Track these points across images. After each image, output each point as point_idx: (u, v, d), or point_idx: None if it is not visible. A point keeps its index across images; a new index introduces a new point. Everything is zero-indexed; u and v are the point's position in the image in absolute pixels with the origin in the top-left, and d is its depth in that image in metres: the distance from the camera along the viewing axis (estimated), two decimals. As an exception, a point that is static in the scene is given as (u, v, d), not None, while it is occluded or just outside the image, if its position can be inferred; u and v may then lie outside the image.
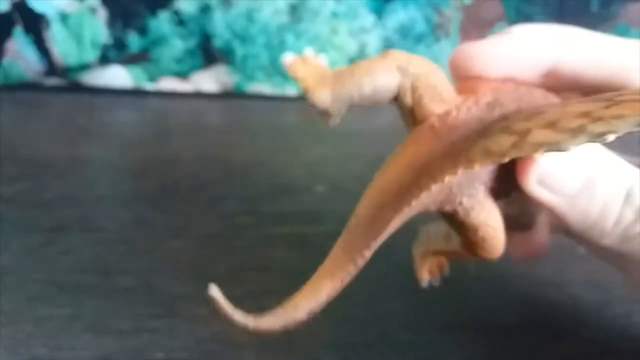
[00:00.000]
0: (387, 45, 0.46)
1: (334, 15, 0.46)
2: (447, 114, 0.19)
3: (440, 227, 0.23)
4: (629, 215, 0.19)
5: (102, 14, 0.46)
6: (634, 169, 0.20)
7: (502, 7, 0.46)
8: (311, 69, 0.20)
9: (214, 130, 0.44)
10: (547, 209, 0.20)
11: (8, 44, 0.47)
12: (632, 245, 0.19)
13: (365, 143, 0.41)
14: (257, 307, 0.27)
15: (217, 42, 0.47)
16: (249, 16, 0.46)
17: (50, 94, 0.47)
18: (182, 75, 0.47)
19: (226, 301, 0.19)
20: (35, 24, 0.46)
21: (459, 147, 0.18)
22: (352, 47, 0.47)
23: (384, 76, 0.18)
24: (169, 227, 0.32)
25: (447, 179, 0.17)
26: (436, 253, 0.23)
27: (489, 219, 0.19)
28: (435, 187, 0.18)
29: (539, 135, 0.16)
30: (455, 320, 0.27)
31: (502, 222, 0.20)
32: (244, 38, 0.46)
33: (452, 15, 0.46)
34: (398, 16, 0.46)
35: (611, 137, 0.15)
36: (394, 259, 0.24)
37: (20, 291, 0.28)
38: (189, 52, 0.47)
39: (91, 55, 0.47)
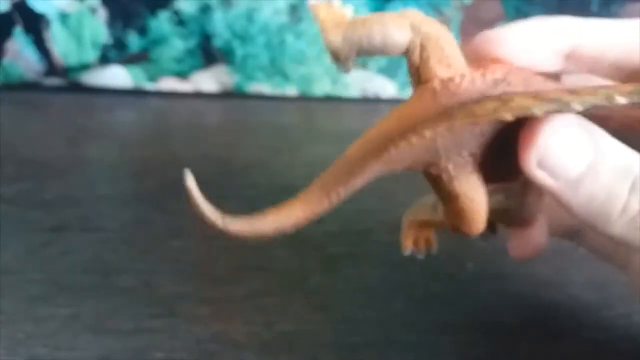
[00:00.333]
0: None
1: (334, 15, 0.46)
2: (450, 79, 0.19)
3: (430, 198, 0.23)
4: (636, 205, 0.19)
5: (102, 14, 0.46)
6: (638, 156, 0.19)
7: (501, 7, 0.46)
8: (332, 14, 0.20)
9: (214, 130, 0.44)
10: (549, 194, 0.19)
11: (8, 44, 0.47)
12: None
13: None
14: (257, 307, 0.28)
15: (217, 42, 0.47)
16: (249, 16, 0.46)
17: (50, 94, 0.47)
18: (182, 75, 0.47)
19: (199, 194, 0.20)
20: (35, 24, 0.46)
21: (451, 111, 0.18)
22: (352, 47, 0.47)
23: (395, 30, 0.19)
24: (169, 227, 0.32)
25: (428, 133, 0.18)
26: (423, 224, 0.23)
27: (470, 192, 0.20)
28: (415, 140, 0.18)
29: (520, 101, 0.17)
30: (456, 320, 0.27)
31: (485, 201, 0.20)
32: (244, 38, 0.46)
33: (452, 15, 0.46)
34: (398, 16, 0.46)
35: (578, 107, 0.17)
36: (394, 259, 0.24)
37: (20, 291, 0.28)
38: (189, 52, 0.47)
39: (91, 55, 0.47)
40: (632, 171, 0.19)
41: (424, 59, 0.19)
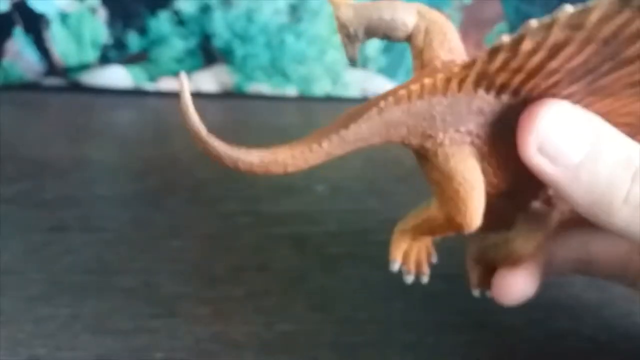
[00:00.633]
0: (388, 45, 0.46)
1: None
2: (451, 61, 0.19)
3: (423, 205, 0.22)
4: (639, 194, 0.18)
5: (102, 14, 0.46)
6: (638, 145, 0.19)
7: (501, 7, 0.46)
8: None
9: (214, 130, 0.44)
10: (548, 182, 0.19)
11: (8, 44, 0.47)
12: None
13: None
14: (257, 307, 0.28)
15: (217, 42, 0.47)
16: (249, 16, 0.46)
17: (50, 94, 0.47)
18: (182, 75, 0.47)
19: (190, 100, 0.20)
20: (35, 24, 0.46)
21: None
22: (352, 47, 0.47)
23: (403, 12, 0.20)
24: (169, 227, 0.32)
25: (402, 91, 0.18)
26: (416, 231, 0.22)
27: (466, 173, 0.19)
28: (402, 92, 0.18)
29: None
30: (456, 320, 0.27)
31: (482, 188, 0.19)
32: (244, 38, 0.46)
33: (452, 15, 0.46)
34: (398, 16, 0.46)
35: None
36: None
37: (20, 291, 0.28)
38: (189, 52, 0.47)
39: (91, 55, 0.47)
40: (634, 161, 0.18)
41: (427, 42, 0.20)
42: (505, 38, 0.17)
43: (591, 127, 0.18)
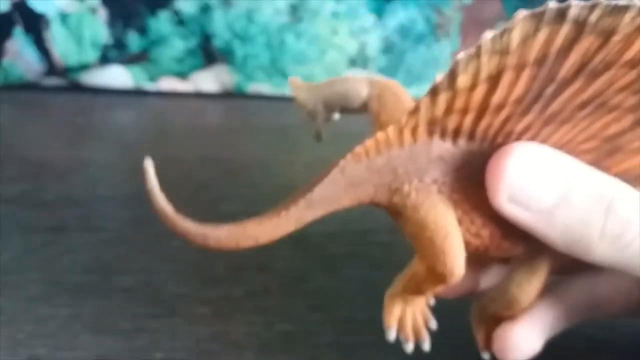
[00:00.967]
0: (387, 45, 0.46)
1: (334, 15, 0.46)
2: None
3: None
4: (615, 227, 0.18)
5: (102, 14, 0.46)
6: (611, 178, 0.19)
7: (501, 7, 0.46)
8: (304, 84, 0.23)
9: (214, 130, 0.44)
10: (523, 228, 0.19)
11: (8, 44, 0.47)
12: (627, 256, 0.19)
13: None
14: (257, 307, 0.28)
15: (217, 42, 0.47)
16: (249, 16, 0.46)
17: (50, 94, 0.47)
18: (182, 75, 0.47)
19: (156, 181, 0.20)
20: (35, 24, 0.46)
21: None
22: (352, 47, 0.47)
23: (354, 84, 0.22)
24: (169, 227, 0.32)
25: (358, 148, 0.18)
26: (405, 291, 0.21)
27: (438, 219, 0.19)
28: (358, 150, 0.18)
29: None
30: (456, 320, 0.27)
31: (457, 231, 0.19)
32: (244, 38, 0.46)
33: (452, 15, 0.46)
34: (398, 16, 0.46)
35: None
36: (394, 259, 0.24)
37: (20, 291, 0.28)
38: (189, 52, 0.47)
39: (91, 55, 0.47)
40: (606, 195, 0.18)
41: (382, 107, 0.21)
42: (439, 76, 0.17)
43: (561, 167, 0.18)
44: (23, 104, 0.46)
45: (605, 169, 0.19)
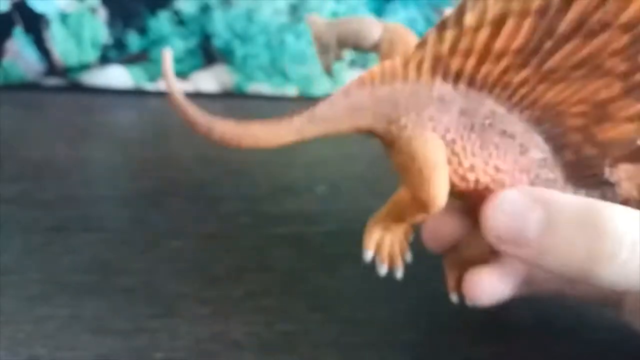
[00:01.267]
0: (387, 45, 0.46)
1: (334, 15, 0.46)
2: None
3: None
4: (606, 247, 0.18)
5: (102, 14, 0.46)
6: (591, 200, 0.19)
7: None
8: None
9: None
10: (522, 263, 0.20)
11: (8, 44, 0.47)
12: (629, 273, 0.18)
13: (365, 143, 0.41)
14: (257, 307, 0.28)
15: (217, 42, 0.47)
16: (249, 16, 0.46)
17: (50, 94, 0.47)
18: (182, 75, 0.47)
19: (172, 65, 0.21)
20: (35, 24, 0.46)
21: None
22: (352, 47, 0.47)
23: (370, 24, 0.23)
24: (169, 227, 0.32)
25: (364, 74, 0.19)
26: (388, 217, 0.22)
27: (428, 153, 0.20)
28: (364, 75, 0.19)
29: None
30: (456, 320, 0.27)
31: (445, 164, 0.20)
32: (244, 38, 0.47)
33: (452, 15, 0.46)
34: (398, 16, 0.46)
35: None
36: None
37: (20, 291, 0.28)
38: (189, 52, 0.47)
39: (91, 55, 0.47)
40: (588, 214, 0.19)
41: (391, 50, 0.22)
42: (448, 12, 0.18)
43: (537, 201, 0.19)
44: (23, 104, 0.46)
45: (592, 136, 0.20)
